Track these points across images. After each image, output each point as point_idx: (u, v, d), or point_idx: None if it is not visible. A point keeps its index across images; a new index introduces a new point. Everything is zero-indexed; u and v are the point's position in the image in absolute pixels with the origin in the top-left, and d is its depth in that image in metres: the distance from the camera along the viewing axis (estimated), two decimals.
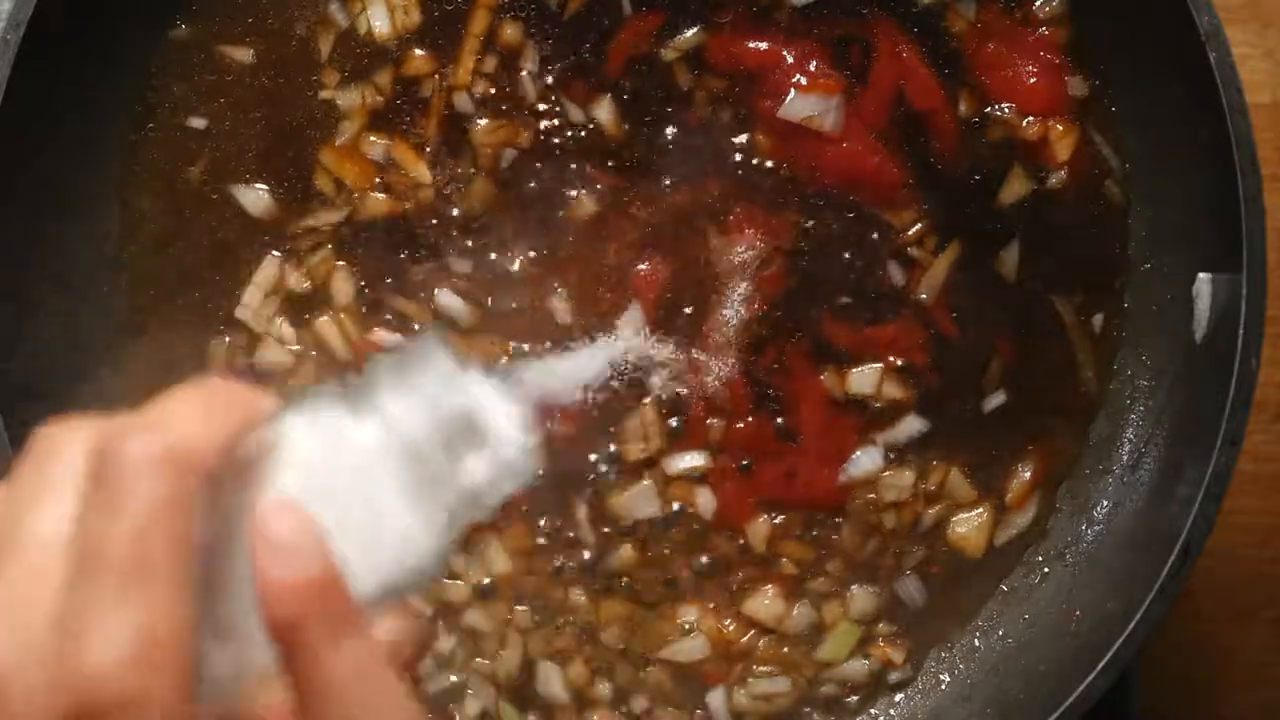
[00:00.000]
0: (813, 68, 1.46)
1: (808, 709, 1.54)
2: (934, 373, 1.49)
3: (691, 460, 1.49)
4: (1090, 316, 1.49)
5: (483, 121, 1.48)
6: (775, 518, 1.51)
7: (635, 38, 1.46)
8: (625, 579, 1.51)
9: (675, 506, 1.50)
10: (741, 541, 1.51)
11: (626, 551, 1.50)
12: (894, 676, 1.53)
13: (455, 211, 1.49)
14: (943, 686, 1.54)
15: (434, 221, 1.49)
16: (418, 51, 1.48)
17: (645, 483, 1.49)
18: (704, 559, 1.51)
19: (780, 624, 1.52)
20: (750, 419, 1.49)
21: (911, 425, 1.49)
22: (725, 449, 1.50)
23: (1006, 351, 1.49)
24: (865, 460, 1.50)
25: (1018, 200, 1.48)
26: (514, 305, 1.49)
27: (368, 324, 1.50)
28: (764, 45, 1.47)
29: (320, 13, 1.49)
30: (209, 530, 0.75)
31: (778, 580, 1.51)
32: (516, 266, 1.49)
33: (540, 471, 0.91)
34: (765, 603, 1.51)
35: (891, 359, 1.49)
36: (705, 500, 1.50)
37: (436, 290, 1.49)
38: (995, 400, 1.49)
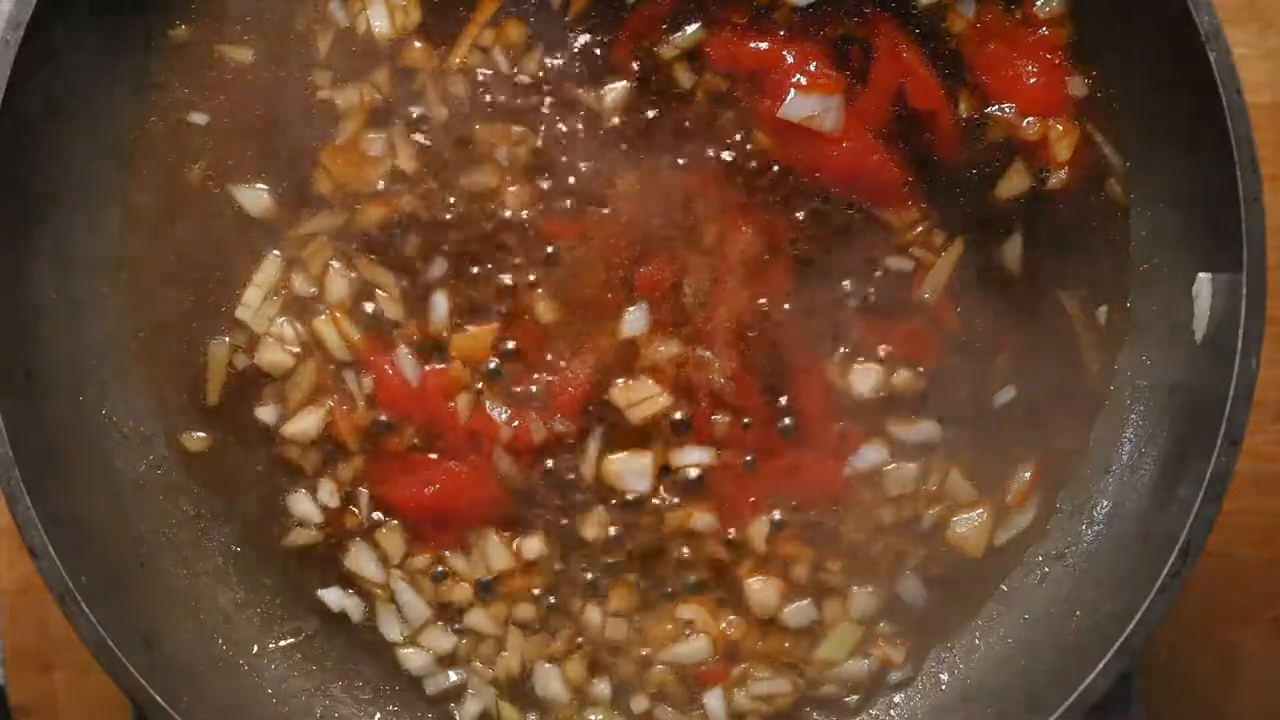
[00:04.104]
0: (813, 68, 1.46)
1: (808, 709, 1.54)
2: (942, 371, 1.49)
3: (697, 456, 1.49)
4: (1095, 309, 1.49)
5: (483, 122, 1.48)
6: (776, 519, 1.51)
7: (643, 26, 1.46)
8: (626, 575, 1.51)
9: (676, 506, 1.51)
10: (743, 542, 1.51)
11: (629, 546, 1.51)
12: (894, 676, 1.53)
13: (454, 210, 1.49)
14: (943, 686, 1.54)
15: (432, 221, 1.49)
16: (416, 44, 1.48)
17: (644, 459, 1.49)
18: (705, 558, 1.51)
19: (779, 615, 1.51)
20: (755, 415, 1.49)
21: (925, 430, 1.49)
22: (730, 445, 1.50)
23: (1013, 346, 1.49)
24: (871, 455, 1.50)
25: (1016, 195, 1.48)
26: (510, 306, 1.49)
27: (364, 324, 1.50)
28: (764, 45, 1.47)
29: (319, 12, 1.49)
30: None
31: (779, 578, 1.51)
32: (514, 267, 1.49)
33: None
34: (761, 590, 1.51)
35: (898, 357, 1.49)
36: (705, 520, 1.50)
37: (434, 290, 1.49)
38: (1006, 395, 1.49)
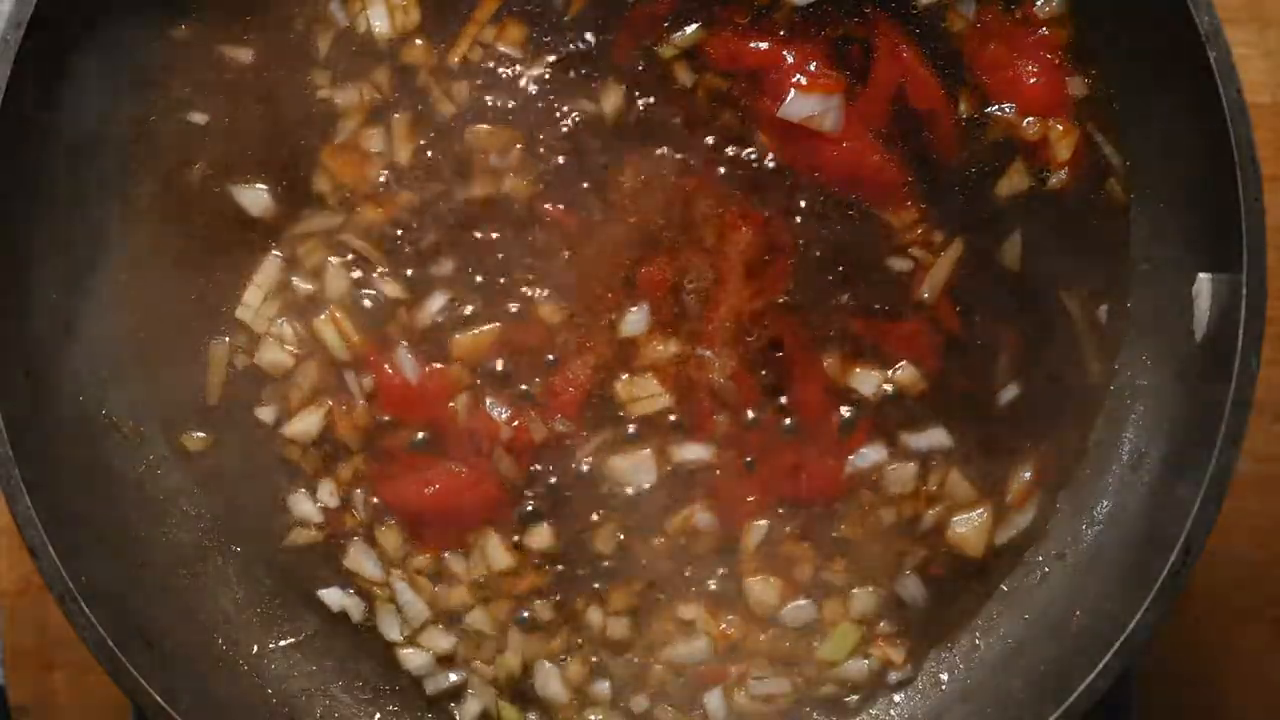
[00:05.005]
0: (813, 68, 1.46)
1: (808, 709, 1.54)
2: (942, 371, 1.49)
3: (697, 455, 1.49)
4: (1095, 309, 1.49)
5: (484, 121, 1.48)
6: (776, 519, 1.51)
7: (644, 26, 1.46)
8: (627, 574, 1.51)
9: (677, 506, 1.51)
10: (741, 543, 1.51)
11: (629, 545, 1.51)
12: (894, 676, 1.53)
13: (454, 210, 1.49)
14: (943, 686, 1.54)
15: (431, 221, 1.49)
16: (416, 43, 1.48)
17: (644, 451, 1.49)
18: (705, 558, 1.51)
19: (779, 615, 1.51)
20: (755, 415, 1.49)
21: (930, 435, 1.49)
22: (730, 445, 1.50)
23: (1013, 346, 1.49)
24: (871, 454, 1.50)
25: (1016, 194, 1.48)
26: (511, 306, 1.49)
27: (364, 324, 1.50)
28: (764, 45, 1.47)
29: (319, 12, 1.49)
30: None
31: (779, 578, 1.51)
32: (514, 266, 1.49)
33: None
34: (761, 590, 1.51)
35: (898, 357, 1.49)
36: (705, 520, 1.50)
37: (433, 290, 1.49)
38: (1010, 393, 1.49)
